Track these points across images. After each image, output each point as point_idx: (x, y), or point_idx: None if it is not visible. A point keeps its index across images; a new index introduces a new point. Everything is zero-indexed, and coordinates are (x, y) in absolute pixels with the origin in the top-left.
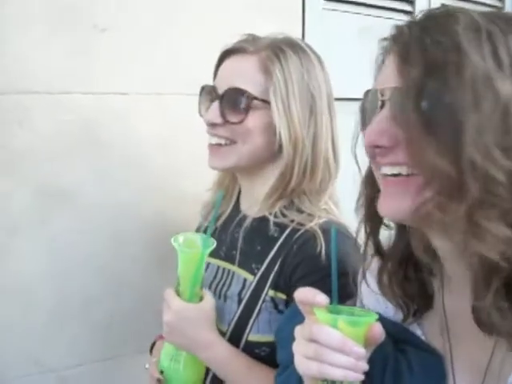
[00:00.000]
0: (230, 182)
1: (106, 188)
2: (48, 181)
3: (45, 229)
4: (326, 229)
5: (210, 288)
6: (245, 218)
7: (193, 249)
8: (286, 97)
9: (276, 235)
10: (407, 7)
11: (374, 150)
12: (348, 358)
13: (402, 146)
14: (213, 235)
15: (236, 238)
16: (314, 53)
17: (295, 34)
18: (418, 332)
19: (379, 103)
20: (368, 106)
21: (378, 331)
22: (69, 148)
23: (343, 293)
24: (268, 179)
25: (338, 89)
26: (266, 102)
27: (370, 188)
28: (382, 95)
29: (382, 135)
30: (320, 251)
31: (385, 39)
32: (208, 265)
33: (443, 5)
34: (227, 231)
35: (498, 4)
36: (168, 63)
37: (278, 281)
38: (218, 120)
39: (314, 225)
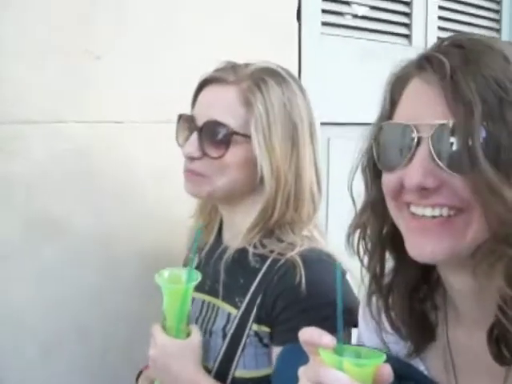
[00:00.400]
0: (212, 210)
1: (99, 218)
2: (40, 210)
3: (35, 259)
4: (306, 257)
5: (196, 324)
6: (226, 249)
7: (177, 284)
8: (267, 129)
9: (257, 266)
10: (405, 31)
11: (408, 190)
12: None
13: (445, 186)
14: (197, 268)
15: (218, 270)
16: (295, 80)
17: (291, 60)
18: (421, 367)
19: (415, 140)
20: (391, 142)
21: (387, 373)
22: (62, 177)
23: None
24: (249, 211)
25: (335, 114)
26: (247, 137)
27: (378, 222)
28: (418, 131)
29: (427, 176)
30: (299, 281)
31: (409, 65)
32: (193, 300)
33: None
34: (210, 264)
35: (495, 7)
36: (164, 91)
37: (260, 314)
38: (197, 154)
39: (294, 254)
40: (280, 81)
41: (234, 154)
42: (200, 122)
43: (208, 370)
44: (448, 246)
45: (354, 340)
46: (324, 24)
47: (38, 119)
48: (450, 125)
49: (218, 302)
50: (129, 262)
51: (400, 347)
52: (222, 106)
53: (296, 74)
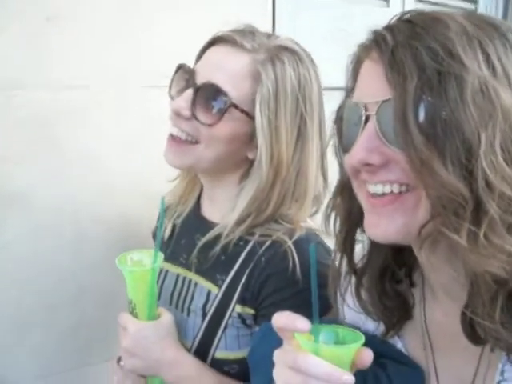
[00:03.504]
0: (191, 179)
1: (64, 189)
2: (1, 182)
3: (1, 233)
4: (297, 239)
5: (170, 299)
6: (205, 223)
7: (141, 267)
8: (273, 112)
9: (241, 243)
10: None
11: (358, 168)
12: None
13: (393, 163)
14: (169, 239)
15: (195, 244)
16: (315, 70)
17: (264, 20)
18: (399, 344)
19: (363, 118)
20: (347, 121)
21: (368, 356)
22: (22, 147)
23: (322, 305)
24: (231, 187)
25: None
26: (244, 112)
27: (346, 202)
28: (366, 109)
29: (372, 152)
30: (293, 263)
31: (362, 45)
32: (166, 273)
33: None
34: (185, 235)
35: (472, 7)
36: (131, 54)
37: (244, 295)
38: (186, 112)
39: (282, 235)
40: (298, 63)
41: (225, 127)
42: (200, 80)
43: (187, 349)
44: (401, 225)
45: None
46: None
47: None
48: (394, 101)
49: (196, 278)
50: (96, 235)
51: (377, 325)
52: (229, 71)
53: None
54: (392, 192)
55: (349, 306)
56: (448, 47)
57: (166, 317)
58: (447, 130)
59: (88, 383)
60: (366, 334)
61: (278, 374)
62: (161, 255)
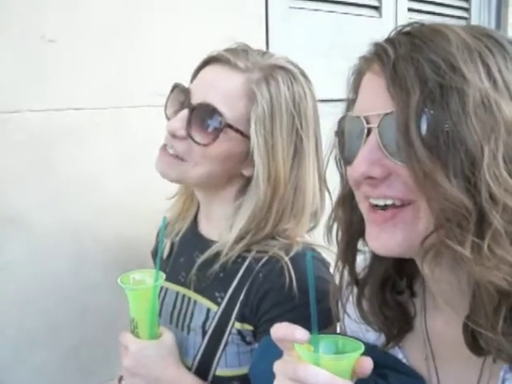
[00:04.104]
0: (188, 197)
1: (62, 211)
2: (2, 201)
3: (1, 256)
4: (294, 255)
5: (171, 318)
6: (202, 241)
7: (142, 285)
8: (269, 131)
9: (239, 260)
10: (374, 2)
11: (360, 181)
12: None
13: (395, 176)
14: (168, 258)
15: (194, 262)
16: (310, 87)
17: (259, 34)
18: (400, 355)
19: (365, 131)
20: (349, 133)
21: (368, 365)
22: (19, 170)
23: (319, 320)
24: (226, 202)
25: None
26: (239, 132)
27: (348, 213)
28: (368, 122)
29: (374, 165)
30: (289, 279)
31: (363, 58)
32: (166, 291)
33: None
34: (184, 253)
35: (465, 5)
36: (125, 74)
37: (243, 312)
38: (181, 133)
39: (278, 250)
40: (292, 81)
41: (220, 147)
42: (195, 100)
43: (187, 368)
44: (401, 239)
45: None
46: None
47: None
48: (393, 114)
49: (195, 296)
50: (96, 255)
51: (378, 336)
52: (223, 91)
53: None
54: (394, 204)
55: (350, 317)
56: (449, 60)
57: (168, 336)
58: (450, 143)
59: None
60: (366, 344)
61: None
62: (162, 274)
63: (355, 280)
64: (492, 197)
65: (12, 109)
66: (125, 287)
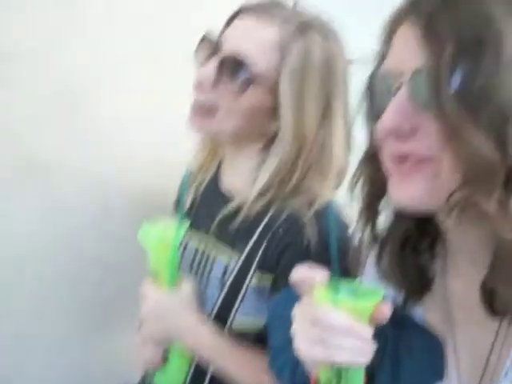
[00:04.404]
0: (212, 149)
1: (85, 163)
2: (23, 157)
3: (22, 209)
4: (315, 212)
5: (190, 270)
6: (224, 195)
7: (163, 240)
8: (300, 86)
9: (260, 214)
10: None
11: (388, 135)
12: (355, 341)
13: (422, 131)
14: (190, 210)
15: (216, 215)
16: (340, 41)
17: None
18: (418, 315)
19: (396, 85)
20: (380, 87)
21: (386, 311)
22: (43, 121)
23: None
24: (253, 156)
25: None
26: (269, 85)
27: (373, 170)
28: (400, 76)
29: (403, 119)
30: (309, 235)
31: (397, 10)
32: (186, 244)
33: None
34: (206, 207)
35: None
36: (157, 23)
37: (263, 266)
38: (210, 82)
39: (300, 206)
40: (327, 39)
41: (249, 98)
42: (226, 50)
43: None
44: (423, 189)
45: None
46: None
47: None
48: (425, 67)
49: (214, 250)
50: (119, 206)
51: (397, 293)
52: (257, 42)
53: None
54: (416, 159)
55: (367, 277)
56: (486, 12)
57: (186, 285)
58: (482, 97)
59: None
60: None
61: (296, 328)
62: (183, 225)
63: (375, 238)
64: None
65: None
66: (145, 239)
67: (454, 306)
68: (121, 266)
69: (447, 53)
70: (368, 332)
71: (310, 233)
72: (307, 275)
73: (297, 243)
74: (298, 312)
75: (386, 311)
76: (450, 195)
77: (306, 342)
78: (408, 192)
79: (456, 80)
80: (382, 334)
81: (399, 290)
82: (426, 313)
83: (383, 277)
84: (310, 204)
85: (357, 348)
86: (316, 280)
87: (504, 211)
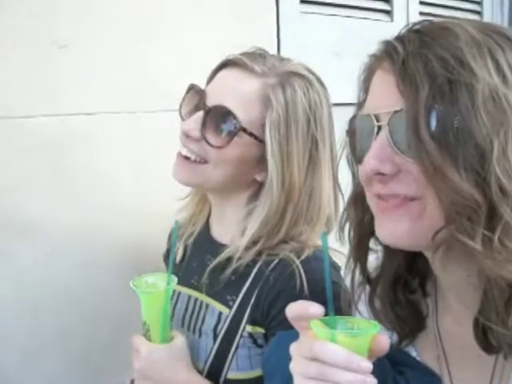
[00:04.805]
0: (201, 200)
1: (75, 215)
2: (10, 212)
3: (10, 264)
4: (304, 258)
5: (183, 321)
6: (215, 246)
7: (155, 289)
8: (284, 137)
9: (250, 264)
10: (386, 6)
11: (371, 178)
12: (355, 375)
13: (404, 173)
14: (181, 262)
15: (206, 266)
16: (324, 88)
17: (270, 39)
18: (413, 354)
19: (375, 129)
20: (360, 132)
21: (385, 342)
22: (32, 175)
23: None
24: (240, 207)
25: None
26: (254, 137)
27: (360, 212)
28: (378, 120)
29: (384, 162)
30: (300, 281)
31: (373, 56)
32: (179, 295)
33: (426, 19)
34: (197, 257)
35: (477, 8)
36: (138, 79)
37: (255, 315)
38: (196, 134)
39: (289, 253)
40: (308, 87)
41: (234, 150)
42: (210, 102)
43: (199, 371)
44: (409, 228)
45: None
46: (303, 2)
47: (3, 114)
48: (403, 111)
49: (207, 299)
50: (108, 259)
51: (390, 335)
52: (239, 95)
53: (275, 51)
54: (398, 195)
55: (361, 315)
56: (458, 55)
57: (179, 339)
58: (459, 138)
59: None
60: None
61: (293, 366)
62: (174, 278)
63: (367, 278)
64: (502, 190)
65: (25, 114)
66: (137, 291)
67: (448, 343)
68: (110, 313)
69: (423, 95)
70: (368, 365)
71: (301, 279)
72: (301, 309)
73: (288, 290)
74: (296, 349)
75: (385, 342)
76: (436, 234)
77: (304, 379)
78: (393, 230)
79: (433, 121)
80: (382, 372)
81: (393, 329)
82: (421, 351)
83: (376, 316)
84: (300, 251)
85: (357, 382)
86: (310, 313)
87: (489, 249)
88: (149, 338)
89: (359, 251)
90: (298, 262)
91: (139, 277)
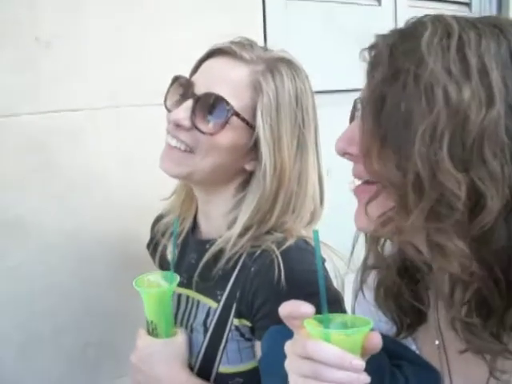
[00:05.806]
0: (187, 198)
1: (64, 212)
2: (2, 210)
3: (1, 261)
4: (285, 248)
5: (175, 319)
6: (202, 242)
7: (158, 288)
8: (275, 122)
9: (236, 257)
10: None
11: (343, 157)
12: (348, 373)
13: (368, 156)
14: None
15: (193, 263)
16: (307, 78)
17: (256, 26)
18: (413, 347)
19: (356, 114)
20: (351, 118)
21: (377, 340)
22: (18, 174)
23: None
24: (227, 200)
25: None
26: (245, 122)
27: None
28: (357, 105)
29: (351, 143)
30: (277, 273)
31: (364, 49)
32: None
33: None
34: (185, 255)
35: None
36: (123, 74)
37: (240, 308)
38: (186, 123)
39: (271, 243)
40: (294, 76)
41: (227, 136)
42: (199, 90)
43: (190, 367)
44: (363, 214)
45: None
46: None
47: None
48: (365, 96)
49: (198, 296)
50: (99, 253)
51: (390, 326)
52: (230, 82)
53: (261, 41)
54: (366, 181)
55: (364, 297)
56: (415, 47)
57: (180, 337)
58: (399, 124)
59: None
60: (381, 333)
61: (288, 364)
62: (176, 276)
63: (380, 262)
64: (419, 178)
65: (9, 112)
66: (141, 290)
67: (447, 336)
68: (103, 308)
69: (376, 81)
70: (360, 363)
71: (279, 268)
72: (294, 308)
73: (267, 280)
74: (290, 347)
75: (377, 340)
76: (379, 217)
77: (298, 377)
78: (357, 217)
79: (384, 106)
80: (379, 367)
81: (393, 319)
82: (421, 343)
83: (379, 305)
84: (282, 241)
85: (351, 380)
86: (302, 312)
87: (434, 241)
88: (156, 336)
89: (371, 236)
90: (277, 251)
91: (140, 276)
